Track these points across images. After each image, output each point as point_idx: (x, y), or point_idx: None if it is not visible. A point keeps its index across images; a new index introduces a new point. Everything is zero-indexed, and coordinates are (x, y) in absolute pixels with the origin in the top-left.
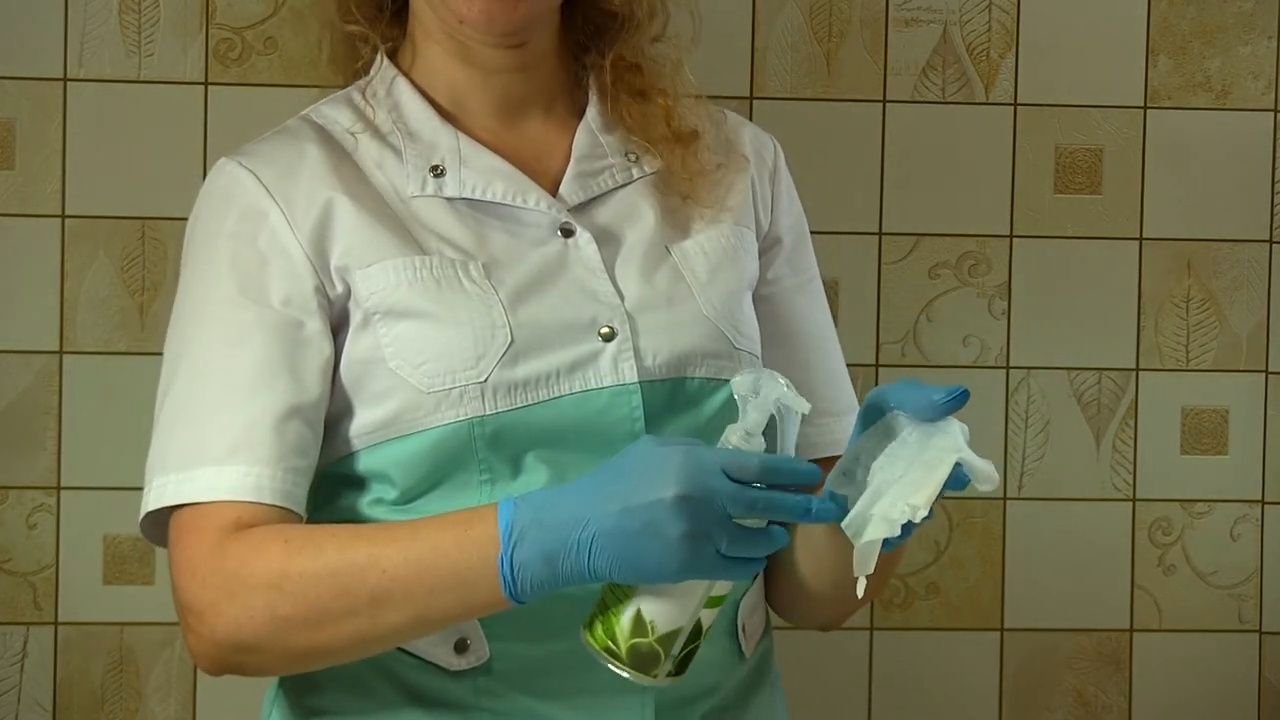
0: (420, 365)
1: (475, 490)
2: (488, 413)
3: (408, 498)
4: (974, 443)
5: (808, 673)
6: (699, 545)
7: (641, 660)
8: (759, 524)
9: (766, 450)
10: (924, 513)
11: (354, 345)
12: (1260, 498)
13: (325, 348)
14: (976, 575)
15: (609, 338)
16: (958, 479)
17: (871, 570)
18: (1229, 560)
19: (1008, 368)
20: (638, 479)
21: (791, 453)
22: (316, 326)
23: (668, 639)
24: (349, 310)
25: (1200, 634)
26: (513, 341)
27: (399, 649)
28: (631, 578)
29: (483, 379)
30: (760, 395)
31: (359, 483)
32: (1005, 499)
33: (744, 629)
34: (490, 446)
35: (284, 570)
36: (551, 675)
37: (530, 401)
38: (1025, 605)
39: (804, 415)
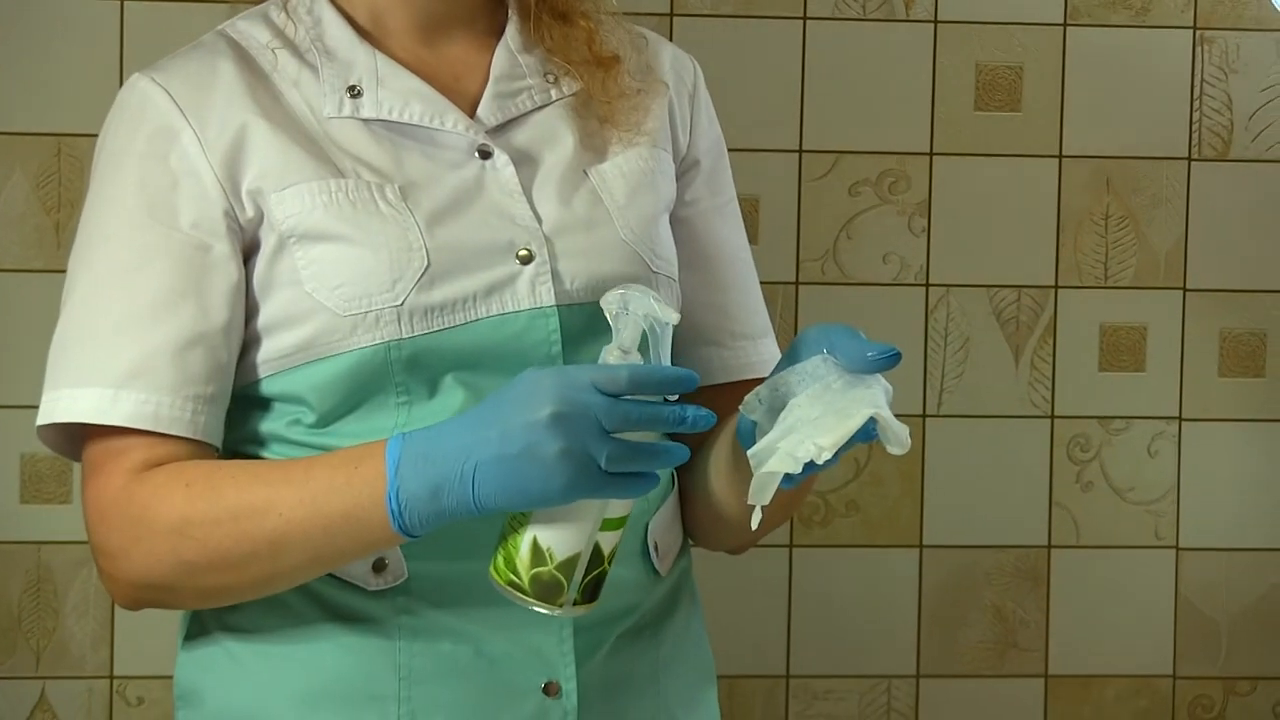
0: (337, 288)
1: (392, 412)
2: (404, 336)
3: (326, 420)
4: (896, 368)
5: (727, 591)
6: (579, 462)
7: (545, 590)
8: (646, 439)
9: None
10: (828, 455)
11: (268, 270)
12: (1177, 414)
13: (233, 272)
14: (896, 492)
15: (526, 261)
16: (867, 433)
17: (766, 501)
18: (1146, 477)
19: (927, 285)
20: (514, 404)
21: (667, 364)
22: (225, 250)
23: (567, 565)
24: (260, 235)
25: (1117, 550)
26: (429, 265)
27: None
28: (518, 503)
29: (399, 302)
30: (629, 311)
31: (274, 406)
32: (925, 416)
33: (656, 548)
34: (407, 369)
35: (185, 516)
36: (471, 595)
37: (447, 325)
38: (944, 522)
39: (718, 338)
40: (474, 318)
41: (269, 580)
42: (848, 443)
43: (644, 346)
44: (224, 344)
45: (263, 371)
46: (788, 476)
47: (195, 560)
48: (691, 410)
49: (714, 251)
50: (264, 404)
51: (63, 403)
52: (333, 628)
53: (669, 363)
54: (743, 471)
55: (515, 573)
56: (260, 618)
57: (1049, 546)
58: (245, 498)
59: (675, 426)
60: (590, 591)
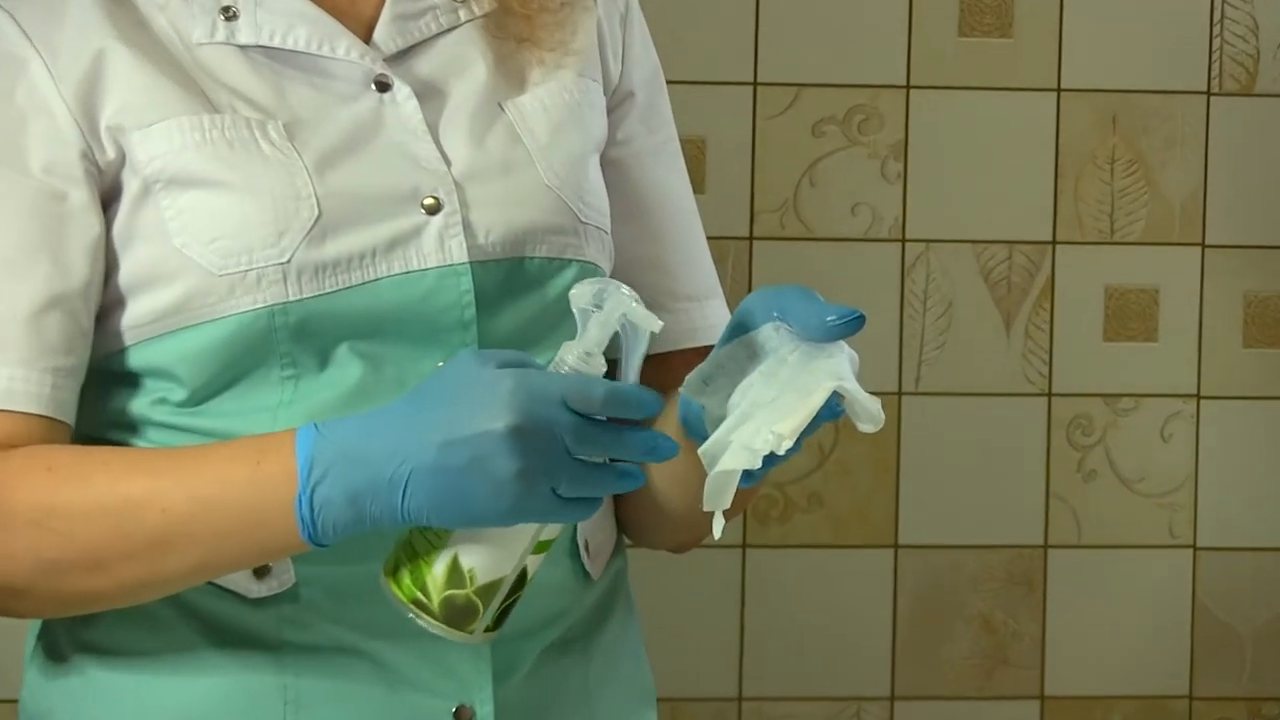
0: (212, 243)
1: (276, 386)
2: (291, 298)
3: (197, 398)
4: (868, 331)
5: (668, 597)
6: (533, 485)
7: (456, 614)
8: (600, 460)
9: (611, 372)
10: (789, 444)
11: (130, 220)
12: (1195, 391)
13: (93, 224)
14: (867, 483)
15: (434, 210)
16: (832, 410)
17: (726, 504)
18: (1159, 465)
19: (904, 240)
20: (463, 406)
21: (636, 378)
22: (83, 199)
23: (488, 590)
24: (123, 179)
25: (1125, 550)
26: (320, 215)
27: None
28: (453, 520)
29: (285, 259)
30: (604, 309)
31: (136, 381)
32: (900, 394)
33: (588, 547)
34: (295, 337)
35: (48, 506)
36: (370, 603)
37: (341, 285)
38: (923, 518)
39: (658, 300)
40: (373, 277)
41: (143, 586)
42: (811, 424)
43: (609, 350)
44: (84, 307)
45: (124, 340)
46: (746, 473)
47: (57, 558)
48: (661, 439)
49: (651, 199)
50: (125, 379)
51: None
52: (207, 644)
53: (636, 376)
54: (689, 458)
55: (424, 592)
56: (122, 633)
57: (1045, 546)
58: (121, 488)
59: (645, 456)
60: (505, 614)
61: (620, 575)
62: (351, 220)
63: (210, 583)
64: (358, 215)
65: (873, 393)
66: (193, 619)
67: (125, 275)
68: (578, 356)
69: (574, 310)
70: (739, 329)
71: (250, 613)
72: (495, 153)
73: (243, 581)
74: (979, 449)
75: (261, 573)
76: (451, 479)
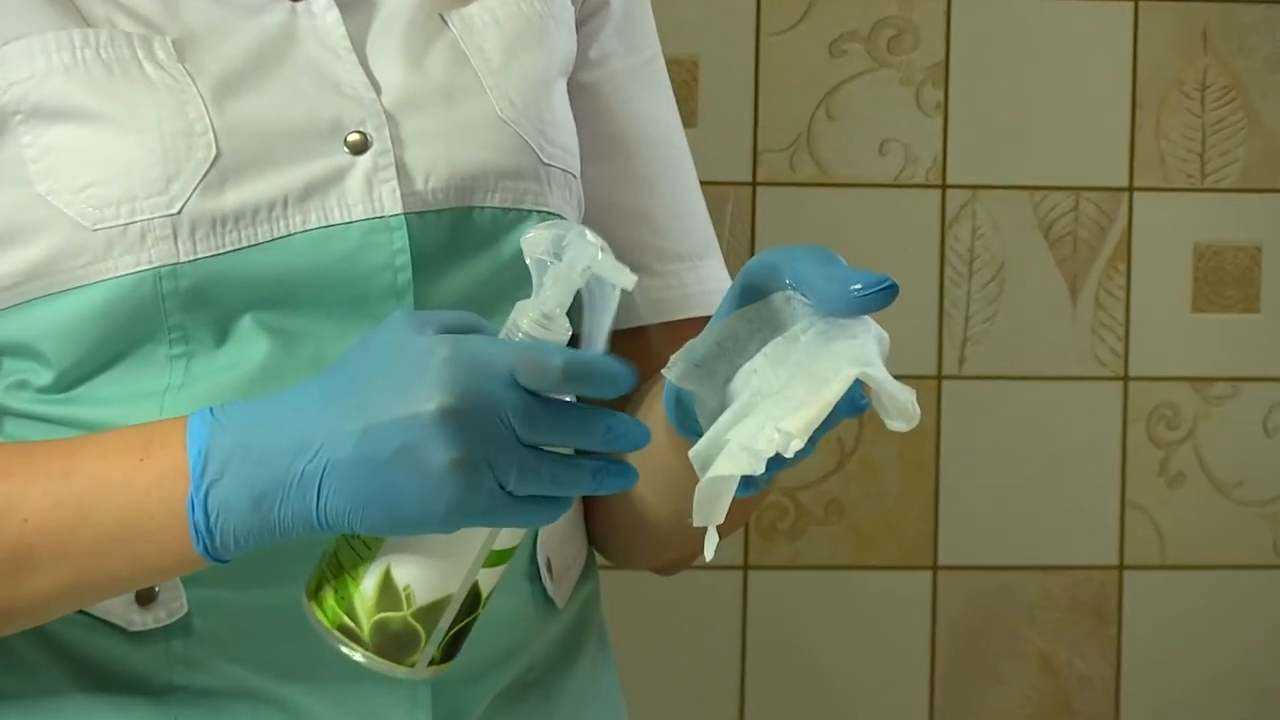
0: (83, 190)
1: (164, 367)
2: (183, 259)
3: (67, 381)
4: (900, 307)
5: (653, 631)
6: (475, 479)
7: (391, 643)
8: (564, 450)
9: (573, 341)
10: (799, 445)
11: None
12: None
13: None
14: (897, 488)
15: (360, 148)
16: (854, 404)
17: (720, 519)
18: (1261, 466)
19: (944, 187)
20: (388, 383)
21: (605, 346)
22: None
23: (431, 613)
24: None
25: (1219, 572)
26: (218, 155)
27: None
28: (381, 526)
29: (174, 210)
30: (565, 261)
31: None
32: (940, 378)
33: (550, 567)
34: (186, 307)
35: None
36: (280, 638)
37: (244, 243)
38: (967, 533)
39: (641, 259)
40: (283, 232)
41: (14, 608)
42: (826, 421)
43: (572, 312)
44: None
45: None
46: (747, 480)
47: None
48: (624, 421)
49: (631, 133)
50: None
51: None
52: (80, 690)
53: (605, 344)
54: (675, 457)
55: (352, 615)
56: None
57: (1120, 567)
58: None
59: (608, 444)
60: (455, 645)
61: (591, 602)
62: (257, 161)
63: (83, 612)
64: (265, 155)
65: (905, 377)
66: (63, 659)
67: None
68: (534, 320)
69: (528, 262)
70: (742, 298)
71: (133, 650)
72: (436, 76)
73: (123, 611)
74: (1037, 447)
75: (146, 599)
76: (375, 474)
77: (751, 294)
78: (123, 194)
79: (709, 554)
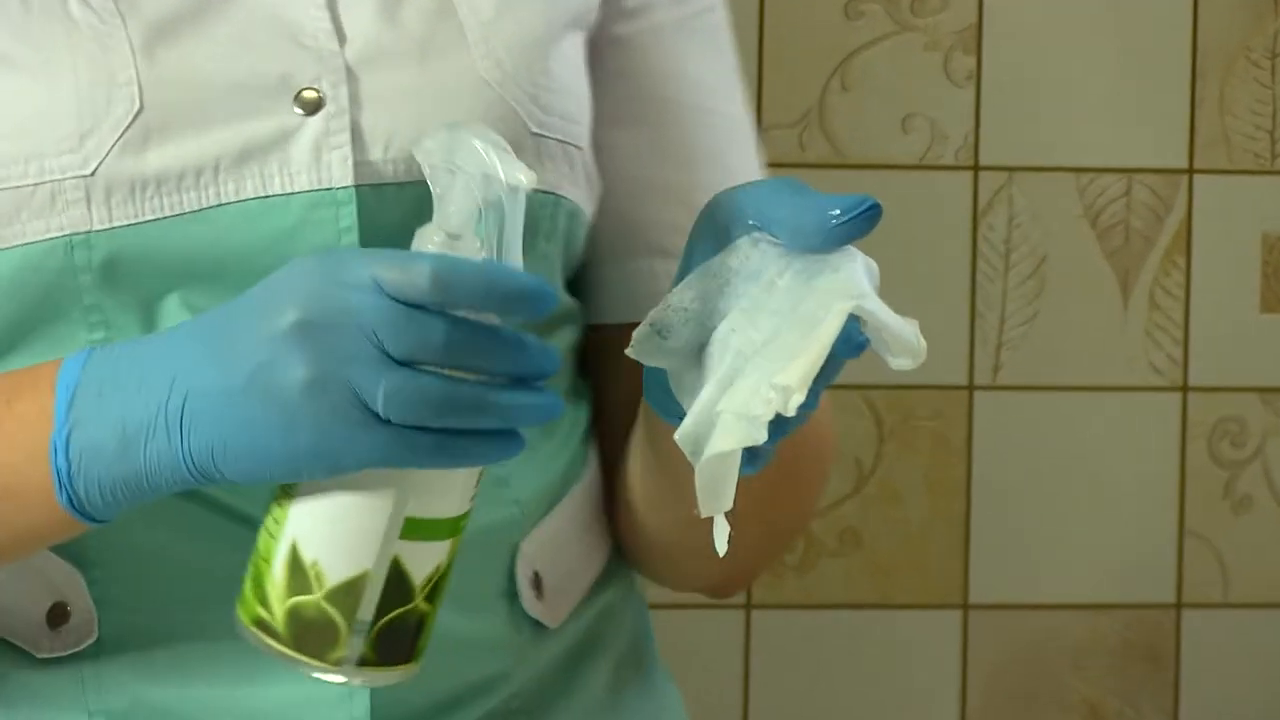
0: None
1: (82, 350)
2: (97, 226)
3: None
4: (925, 307)
5: None
6: (336, 401)
7: (308, 634)
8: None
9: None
10: (800, 398)
11: None
12: None
13: None
14: (923, 515)
15: (313, 108)
16: (852, 341)
17: (728, 504)
18: None
19: (976, 168)
20: (248, 305)
21: (517, 260)
22: None
23: (346, 595)
24: None
25: None
26: (140, 109)
27: None
28: (250, 468)
29: (88, 170)
30: (460, 170)
31: None
32: (971, 388)
33: (538, 584)
34: (103, 284)
35: None
36: (208, 659)
37: (167, 211)
38: (1003, 567)
39: (663, 254)
40: (213, 201)
41: None
42: (826, 368)
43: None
44: None
45: None
46: (750, 454)
47: None
48: (539, 345)
49: (666, 95)
50: None
51: None
52: None
53: (519, 260)
54: (674, 462)
55: (265, 604)
56: None
57: (1179, 605)
58: None
59: (514, 368)
60: (390, 643)
61: (607, 617)
62: (188, 118)
63: None
64: (197, 111)
65: (930, 389)
66: None
67: None
68: (439, 243)
69: (425, 174)
70: (703, 251)
71: (41, 676)
72: (412, 27)
73: (30, 632)
74: (1083, 468)
75: (58, 619)
76: (232, 403)
77: (713, 243)
78: (30, 150)
79: (720, 545)
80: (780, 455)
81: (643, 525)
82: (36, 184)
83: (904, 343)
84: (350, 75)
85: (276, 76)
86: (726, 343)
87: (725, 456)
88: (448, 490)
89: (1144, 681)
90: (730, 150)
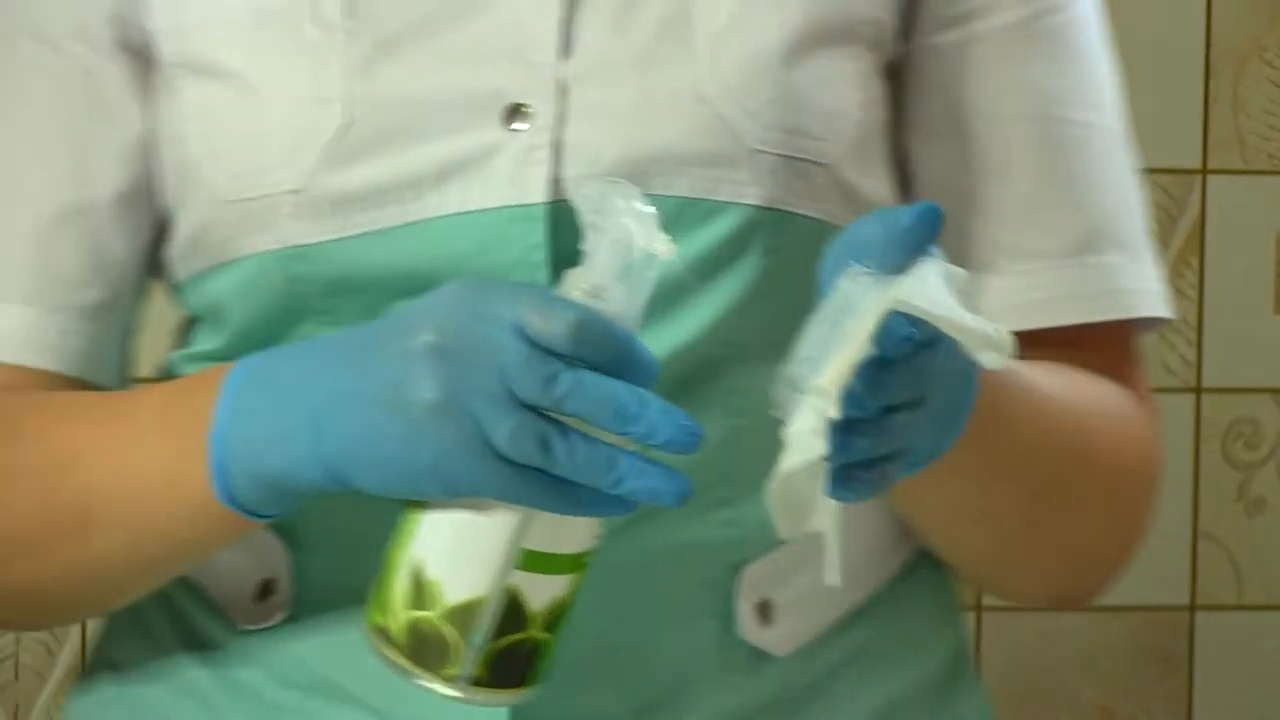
0: (223, 156)
1: None
2: (309, 241)
3: (233, 354)
4: None
5: None
6: (459, 427)
7: (424, 648)
8: (598, 433)
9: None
10: (832, 407)
11: (161, 115)
12: None
13: (130, 114)
14: None
15: (519, 123)
16: (891, 335)
17: (816, 525)
18: None
19: None
20: (398, 322)
21: (637, 323)
22: (118, 79)
23: (463, 616)
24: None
25: None
26: (348, 125)
27: (190, 579)
28: (378, 476)
29: (298, 186)
30: (608, 224)
31: (194, 328)
32: None
33: (766, 607)
34: (325, 292)
35: None
36: (356, 653)
37: (371, 227)
38: None
39: (982, 268)
40: (414, 217)
41: (85, 577)
42: (876, 366)
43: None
44: (113, 227)
45: (179, 274)
46: (843, 476)
47: None
48: (663, 410)
49: (1001, 108)
50: (186, 327)
51: None
52: (193, 668)
53: (637, 321)
54: (926, 498)
55: (387, 614)
56: (129, 646)
57: (1191, 608)
58: (48, 442)
59: (630, 427)
60: (504, 667)
61: (863, 659)
62: (393, 134)
63: (206, 594)
64: (403, 127)
65: None
66: (183, 633)
67: (167, 189)
68: (584, 292)
69: (581, 219)
70: (819, 297)
71: (239, 644)
72: (638, 40)
73: (241, 601)
74: None
75: (266, 591)
76: (364, 411)
77: (824, 286)
78: (255, 165)
79: (831, 576)
80: (1039, 468)
81: (943, 551)
82: (256, 198)
83: (977, 338)
84: (562, 90)
85: (487, 92)
86: (796, 359)
87: (794, 476)
88: (568, 529)
89: (1157, 684)
90: (1060, 157)
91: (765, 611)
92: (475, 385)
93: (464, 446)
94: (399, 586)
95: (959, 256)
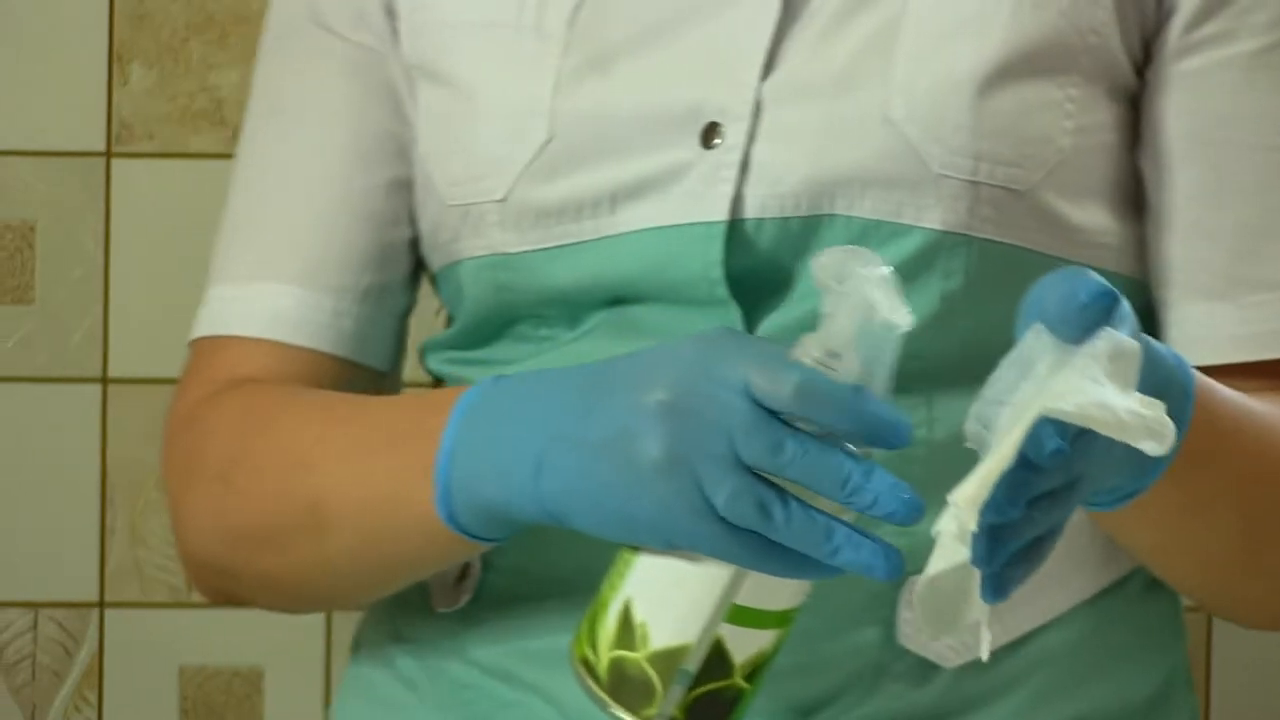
0: (446, 160)
1: (532, 346)
2: (510, 250)
3: (463, 341)
4: None
5: None
6: (681, 486)
7: (626, 687)
8: (816, 499)
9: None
10: (973, 521)
11: (409, 115)
12: None
13: (408, 102)
14: None
15: (712, 141)
16: (1043, 449)
17: (956, 630)
18: None
19: None
20: (629, 372)
21: (881, 389)
22: (397, 66)
23: (667, 660)
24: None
25: None
26: (549, 139)
27: None
28: (596, 520)
29: (501, 196)
30: (847, 291)
31: (449, 321)
32: None
33: None
34: (536, 299)
35: (232, 455)
36: (559, 631)
37: (565, 240)
38: None
39: (1206, 297)
40: (606, 232)
41: (323, 574)
42: (1017, 480)
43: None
44: (389, 211)
45: (429, 265)
46: (994, 582)
47: (238, 525)
48: (888, 481)
49: (1239, 135)
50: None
51: (201, 312)
52: (393, 651)
53: (884, 388)
54: (1134, 529)
55: (594, 648)
56: (364, 626)
57: (1209, 612)
58: (295, 439)
59: (852, 498)
60: (702, 712)
61: (1047, 663)
62: (591, 149)
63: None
64: (601, 143)
65: None
66: (389, 624)
67: (416, 185)
68: (817, 358)
69: (818, 287)
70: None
71: (429, 628)
72: (838, 61)
73: (440, 582)
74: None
75: (463, 575)
76: (588, 458)
77: (1017, 330)
78: (470, 172)
79: (983, 652)
80: (1254, 499)
81: (1155, 572)
82: (469, 205)
83: (1136, 430)
84: (759, 109)
85: (684, 110)
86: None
87: (940, 580)
88: (778, 587)
89: None
90: None
91: None
92: (701, 446)
93: (684, 505)
94: (608, 624)
95: (1188, 283)
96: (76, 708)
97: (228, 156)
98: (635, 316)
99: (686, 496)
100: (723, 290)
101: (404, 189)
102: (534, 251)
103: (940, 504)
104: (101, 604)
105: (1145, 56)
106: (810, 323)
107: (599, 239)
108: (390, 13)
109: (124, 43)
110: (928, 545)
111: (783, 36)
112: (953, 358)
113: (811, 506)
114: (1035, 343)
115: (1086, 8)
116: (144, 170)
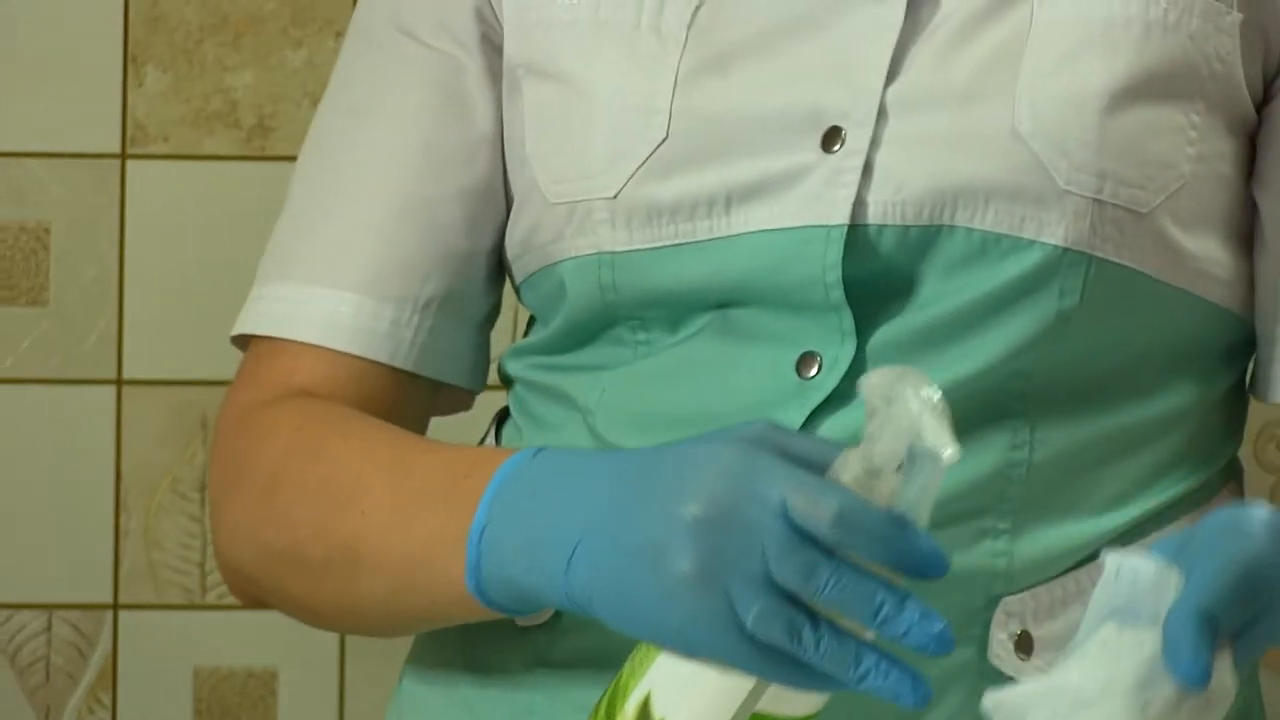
0: (553, 157)
1: (629, 350)
2: (618, 248)
3: (554, 348)
4: None
5: None
6: (710, 603)
7: None
8: (843, 620)
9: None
10: None
11: (507, 114)
12: None
13: (485, 109)
14: None
15: (833, 145)
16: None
17: None
18: None
19: None
20: (665, 477)
21: (921, 516)
22: (477, 74)
23: None
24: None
25: None
26: (665, 139)
27: None
28: (620, 620)
29: (612, 193)
30: (893, 413)
31: (529, 327)
32: None
33: (1026, 639)
34: (636, 299)
35: (275, 471)
36: (628, 646)
37: (677, 239)
38: None
39: None
40: (720, 233)
41: (349, 610)
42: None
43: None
44: (459, 221)
45: (515, 274)
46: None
47: (274, 543)
48: (921, 611)
49: None
50: (530, 321)
51: (248, 307)
52: (474, 685)
53: (921, 513)
54: None
55: None
56: (425, 647)
57: None
58: (339, 473)
59: (885, 628)
60: None
61: None
62: (709, 149)
63: None
64: (718, 143)
65: None
66: (460, 648)
67: (510, 187)
68: (856, 475)
69: (864, 401)
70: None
71: (503, 647)
72: (963, 73)
73: None
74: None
75: None
76: (620, 561)
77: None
78: (579, 169)
79: None
80: None
81: None
82: (576, 203)
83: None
84: (883, 115)
85: (806, 113)
86: (1061, 666)
87: None
88: (801, 696)
89: None
90: None
91: (1025, 643)
92: (733, 564)
93: (712, 620)
94: (626, 712)
95: None
96: (90, 710)
97: (242, 158)
98: (741, 320)
99: (715, 612)
100: (839, 294)
101: (476, 197)
102: (643, 251)
103: (1022, 520)
104: (115, 606)
105: (1265, 95)
106: (925, 339)
107: (711, 239)
108: (481, 17)
109: (138, 45)
110: (1025, 562)
111: (906, 46)
112: (1059, 378)
113: (840, 629)
114: (1152, 587)
115: (1214, 35)
116: (158, 172)
